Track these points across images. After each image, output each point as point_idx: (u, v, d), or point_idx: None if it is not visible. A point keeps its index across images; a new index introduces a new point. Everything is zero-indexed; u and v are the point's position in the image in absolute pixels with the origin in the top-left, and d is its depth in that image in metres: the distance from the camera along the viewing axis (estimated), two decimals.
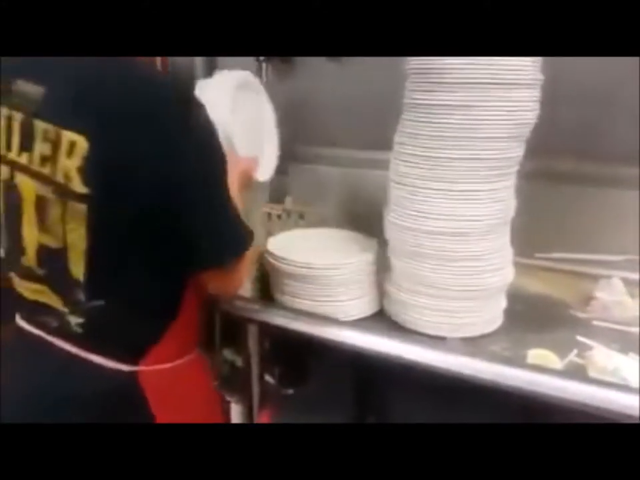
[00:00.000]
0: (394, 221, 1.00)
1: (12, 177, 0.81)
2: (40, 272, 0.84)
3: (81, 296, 0.82)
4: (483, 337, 0.99)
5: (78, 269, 0.80)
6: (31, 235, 0.82)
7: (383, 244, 1.06)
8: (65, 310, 0.84)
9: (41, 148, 0.77)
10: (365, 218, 1.33)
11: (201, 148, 0.77)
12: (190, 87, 0.85)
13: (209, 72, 1.60)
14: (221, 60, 1.60)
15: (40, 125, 0.77)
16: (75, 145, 0.74)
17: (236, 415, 1.46)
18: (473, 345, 0.96)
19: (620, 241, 1.16)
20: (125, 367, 0.85)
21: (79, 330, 0.84)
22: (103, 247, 0.79)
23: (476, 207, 0.94)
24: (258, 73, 1.47)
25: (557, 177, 1.24)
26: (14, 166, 0.80)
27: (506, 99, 0.89)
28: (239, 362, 1.30)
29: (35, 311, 0.87)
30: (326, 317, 1.02)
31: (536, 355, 0.90)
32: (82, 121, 0.74)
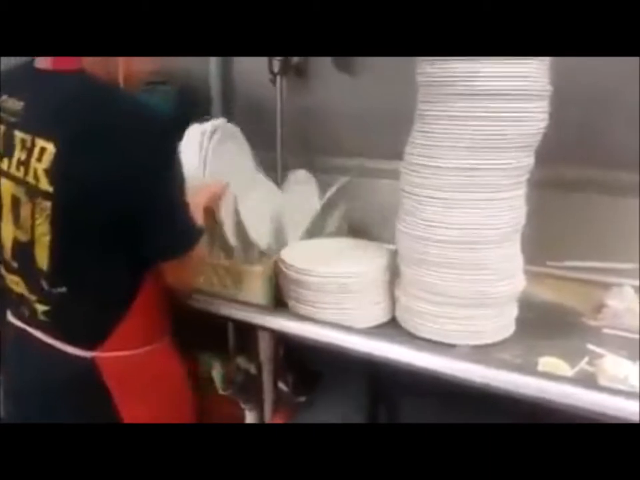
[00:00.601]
0: (404, 230, 1.01)
1: None
2: (15, 264, 0.95)
3: (45, 285, 0.92)
4: (493, 344, 1.00)
5: (42, 260, 0.90)
6: (7, 231, 0.93)
7: (394, 252, 1.07)
8: (33, 298, 0.95)
9: (18, 154, 0.88)
10: (376, 227, 1.35)
11: (156, 158, 0.86)
12: (153, 115, 0.91)
13: (224, 78, 1.64)
14: (235, 69, 1.63)
15: (19, 135, 0.88)
16: (45, 151, 0.84)
17: (250, 422, 1.47)
18: (483, 352, 0.97)
19: (631, 248, 1.16)
20: (84, 353, 0.95)
21: (45, 318, 0.95)
22: (64, 240, 0.89)
23: (486, 216, 0.95)
24: (272, 85, 1.50)
25: (568, 185, 1.24)
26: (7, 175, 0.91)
27: (515, 110, 0.91)
28: (253, 369, 1.32)
29: (17, 303, 0.99)
30: (338, 324, 1.03)
31: (546, 362, 0.91)
32: (53, 130, 0.85)
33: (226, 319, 1.15)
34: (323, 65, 1.47)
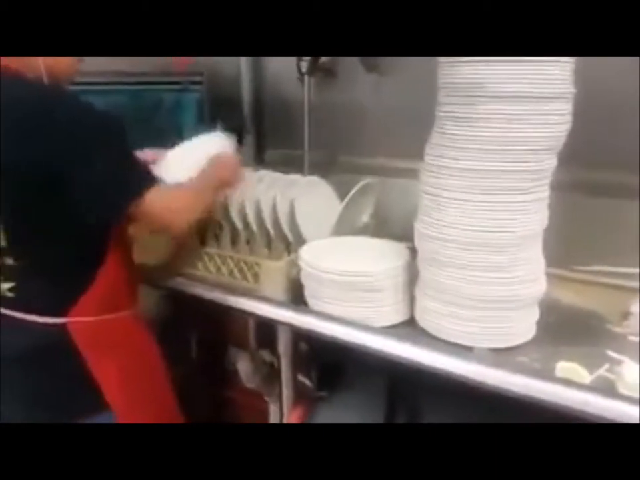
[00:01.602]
0: (424, 230, 1.01)
1: None
2: None
3: (10, 261, 1.00)
4: (512, 348, 0.99)
5: (1, 237, 0.99)
6: None
7: (414, 252, 1.08)
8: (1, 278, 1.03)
9: None
10: (401, 227, 1.35)
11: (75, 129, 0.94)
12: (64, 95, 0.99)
13: (254, 77, 1.67)
14: (265, 69, 1.66)
15: None
16: None
17: (274, 415, 1.50)
18: (501, 355, 0.96)
19: None
20: (52, 320, 1.01)
21: (10, 294, 1.03)
22: (15, 216, 0.98)
23: (506, 219, 0.94)
24: (301, 85, 1.51)
25: (597, 188, 1.22)
26: None
27: (537, 112, 0.89)
28: (277, 363, 1.34)
29: None
30: (356, 323, 1.04)
31: (564, 368, 0.89)
32: None
33: (246, 315, 1.18)
34: (351, 65, 1.48)
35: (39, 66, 1.00)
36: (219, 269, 1.26)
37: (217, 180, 1.18)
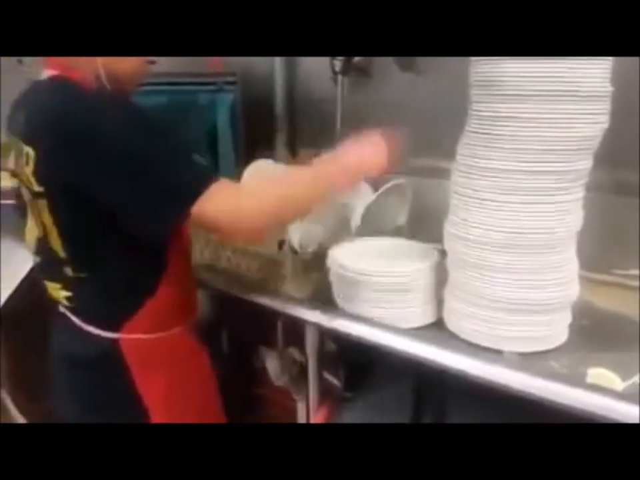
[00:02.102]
0: (454, 232, 1.00)
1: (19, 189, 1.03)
2: (37, 259, 1.05)
3: (69, 271, 0.99)
4: (543, 352, 0.97)
5: (59, 249, 0.97)
6: (31, 231, 1.03)
7: (443, 254, 1.07)
8: (58, 286, 1.02)
9: (20, 160, 0.95)
10: (434, 228, 1.34)
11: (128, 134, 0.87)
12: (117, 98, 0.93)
13: (288, 76, 1.67)
14: (298, 69, 1.66)
15: (19, 144, 0.95)
16: (29, 155, 0.91)
17: (302, 413, 1.51)
18: (531, 360, 0.94)
19: None
20: (107, 334, 1.00)
21: (67, 303, 1.03)
22: (69, 231, 0.95)
23: (541, 220, 0.92)
24: (334, 85, 1.52)
25: (633, 190, 1.18)
26: (21, 180, 0.99)
27: (571, 112, 0.87)
28: (305, 362, 1.35)
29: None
30: (383, 324, 1.04)
31: (596, 374, 0.87)
32: (30, 136, 0.92)
33: (274, 313, 1.19)
34: (385, 64, 1.48)
35: (97, 68, 0.94)
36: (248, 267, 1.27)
37: (340, 170, 0.99)
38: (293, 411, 1.50)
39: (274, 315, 1.22)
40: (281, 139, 1.70)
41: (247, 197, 0.91)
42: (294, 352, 1.44)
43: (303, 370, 1.38)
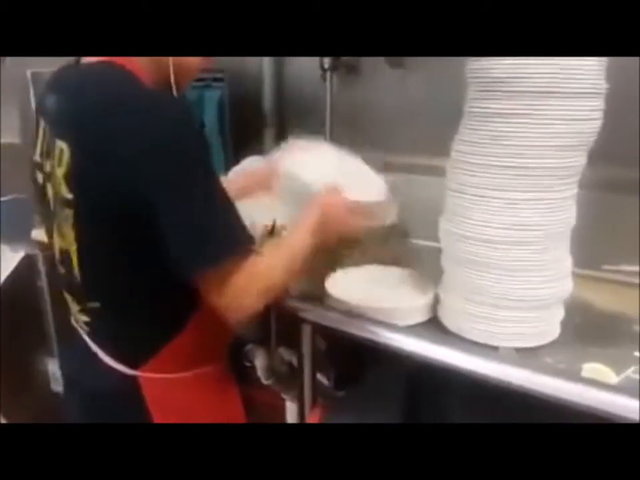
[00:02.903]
0: (449, 228, 1.00)
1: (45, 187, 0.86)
2: (61, 270, 0.90)
3: (82, 296, 0.87)
4: (538, 348, 0.98)
5: (76, 268, 0.84)
6: (55, 237, 0.88)
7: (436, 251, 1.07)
8: (76, 308, 0.91)
9: (53, 158, 0.80)
10: (424, 225, 1.34)
11: (166, 156, 0.73)
12: (177, 104, 0.80)
13: (276, 73, 1.66)
14: (287, 66, 1.65)
15: (50, 135, 0.81)
16: (63, 153, 0.76)
17: (291, 413, 1.50)
18: (526, 355, 0.95)
19: None
20: (125, 370, 0.88)
21: (86, 328, 0.91)
22: (90, 250, 0.81)
23: (535, 217, 0.93)
24: (323, 82, 1.51)
25: (625, 187, 1.20)
26: (47, 179, 0.84)
27: (567, 108, 0.88)
28: (295, 361, 1.34)
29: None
30: (379, 320, 1.03)
31: (591, 369, 0.88)
32: (68, 129, 0.77)
33: (268, 309, 1.17)
34: (374, 61, 1.47)
35: (167, 65, 0.82)
36: None
37: (310, 236, 0.91)
38: (282, 411, 1.49)
39: (266, 311, 1.21)
40: (269, 136, 1.68)
41: (255, 284, 0.82)
42: (284, 351, 1.43)
43: (292, 369, 1.37)
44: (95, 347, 0.91)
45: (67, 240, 0.83)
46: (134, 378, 0.88)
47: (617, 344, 0.97)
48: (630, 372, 0.87)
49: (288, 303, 1.10)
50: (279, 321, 1.31)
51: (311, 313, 1.09)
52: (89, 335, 0.92)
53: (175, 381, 0.90)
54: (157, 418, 0.89)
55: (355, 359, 1.29)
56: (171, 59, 0.82)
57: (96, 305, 0.86)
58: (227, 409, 1.00)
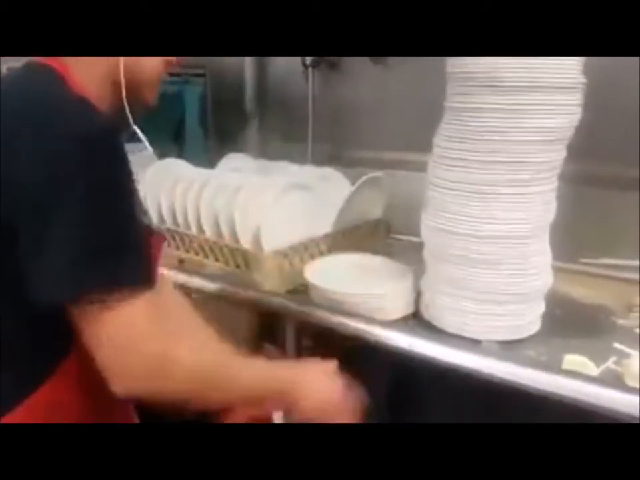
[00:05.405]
0: (431, 223, 1.01)
1: None
2: None
3: None
4: (519, 341, 0.99)
5: None
6: None
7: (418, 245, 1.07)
8: None
9: None
10: (405, 220, 1.35)
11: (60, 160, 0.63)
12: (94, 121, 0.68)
13: (258, 70, 1.65)
14: (269, 62, 1.65)
15: None
16: None
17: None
18: (509, 348, 0.96)
19: None
20: None
21: None
22: None
23: (515, 211, 0.94)
24: (304, 78, 1.51)
25: (605, 182, 1.22)
26: None
27: (546, 102, 0.89)
28: (279, 358, 1.34)
29: None
30: (362, 315, 1.04)
31: (571, 360, 0.89)
32: None
33: (253, 307, 1.17)
34: (356, 58, 1.47)
35: (118, 66, 0.73)
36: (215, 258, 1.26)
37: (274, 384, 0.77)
38: None
39: (252, 308, 1.20)
40: (251, 132, 1.68)
41: (175, 341, 0.67)
42: (269, 347, 1.43)
43: None
44: None
45: None
46: None
47: (596, 336, 0.99)
48: (610, 363, 0.89)
49: (272, 300, 1.10)
50: (262, 317, 1.30)
51: (294, 309, 1.09)
52: None
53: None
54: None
55: (339, 354, 1.29)
56: (121, 60, 0.74)
57: None
58: None
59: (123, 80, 0.73)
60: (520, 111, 0.89)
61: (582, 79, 0.91)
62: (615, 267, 1.21)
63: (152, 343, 0.65)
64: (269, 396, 0.78)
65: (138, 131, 0.81)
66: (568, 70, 0.89)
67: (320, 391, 0.81)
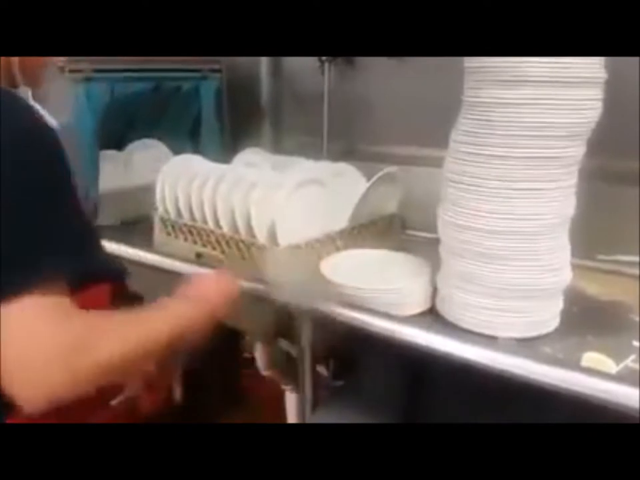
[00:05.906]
0: (448, 219, 1.00)
1: None
2: None
3: None
4: (537, 338, 0.98)
5: None
6: None
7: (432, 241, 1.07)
8: None
9: None
10: (421, 216, 1.34)
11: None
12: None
13: (274, 65, 1.65)
14: (286, 62, 1.65)
15: None
16: None
17: (290, 403, 1.51)
18: (525, 345, 0.95)
19: None
20: None
21: None
22: None
23: (534, 206, 0.93)
24: (320, 73, 1.51)
25: (623, 178, 1.20)
26: None
27: (566, 97, 0.88)
28: (294, 352, 1.34)
29: None
30: (378, 311, 1.03)
31: (590, 358, 0.89)
32: None
33: (267, 301, 1.17)
34: None
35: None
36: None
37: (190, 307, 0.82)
38: (280, 401, 1.50)
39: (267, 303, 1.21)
40: (267, 127, 1.68)
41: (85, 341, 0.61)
42: (282, 342, 1.43)
43: (292, 360, 1.37)
44: None
45: None
46: None
47: (615, 333, 0.97)
48: (629, 361, 0.88)
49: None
50: (277, 312, 1.31)
51: (310, 304, 1.09)
52: None
53: None
54: None
55: (354, 349, 1.29)
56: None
57: None
58: None
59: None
60: (538, 106, 0.87)
61: (604, 74, 0.90)
62: (632, 263, 1.19)
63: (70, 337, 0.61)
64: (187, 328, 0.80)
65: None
66: (590, 65, 0.88)
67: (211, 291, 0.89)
